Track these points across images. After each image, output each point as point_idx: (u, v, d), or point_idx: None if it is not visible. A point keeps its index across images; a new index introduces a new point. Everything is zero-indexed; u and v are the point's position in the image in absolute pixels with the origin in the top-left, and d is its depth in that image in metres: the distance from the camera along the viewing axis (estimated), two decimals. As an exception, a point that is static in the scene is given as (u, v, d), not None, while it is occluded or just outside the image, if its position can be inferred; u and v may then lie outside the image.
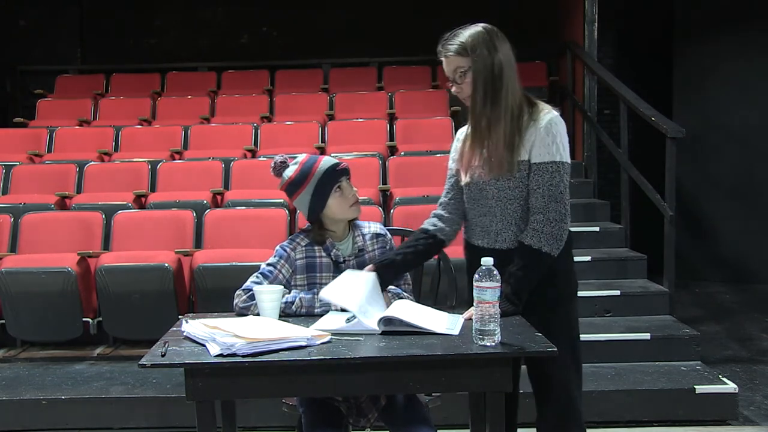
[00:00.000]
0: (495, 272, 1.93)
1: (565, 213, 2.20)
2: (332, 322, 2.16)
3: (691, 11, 6.84)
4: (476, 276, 1.94)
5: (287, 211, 4.66)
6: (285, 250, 2.40)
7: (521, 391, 2.45)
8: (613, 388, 3.73)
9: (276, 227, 4.57)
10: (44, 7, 8.01)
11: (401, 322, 2.04)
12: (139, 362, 1.87)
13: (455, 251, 2.46)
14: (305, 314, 2.29)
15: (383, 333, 2.05)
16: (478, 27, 2.22)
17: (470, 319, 2.04)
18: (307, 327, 2.08)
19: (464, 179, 2.32)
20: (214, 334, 1.95)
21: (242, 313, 2.30)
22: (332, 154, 4.45)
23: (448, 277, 2.66)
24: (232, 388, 1.94)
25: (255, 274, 2.38)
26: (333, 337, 2.02)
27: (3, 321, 4.32)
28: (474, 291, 1.94)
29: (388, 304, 2.26)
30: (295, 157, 2.45)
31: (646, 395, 3.71)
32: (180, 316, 3.16)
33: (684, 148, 5.32)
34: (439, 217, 2.40)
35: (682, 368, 3.99)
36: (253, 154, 5.86)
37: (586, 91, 6.53)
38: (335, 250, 2.41)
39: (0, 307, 4.29)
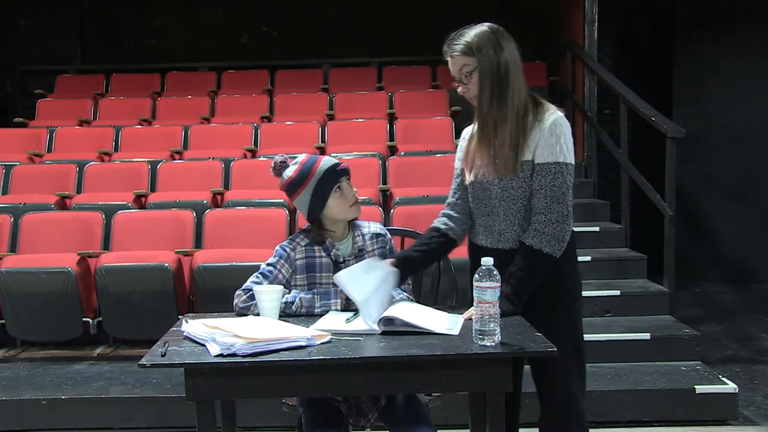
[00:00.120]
0: (495, 272, 1.93)
1: (567, 214, 2.19)
2: (332, 322, 2.16)
3: (691, 11, 6.84)
4: (476, 276, 1.94)
5: (287, 211, 4.66)
6: (285, 250, 2.40)
7: (523, 391, 2.44)
8: (613, 388, 3.73)
9: (276, 227, 4.57)
10: (44, 7, 8.01)
11: (401, 322, 2.04)
12: (139, 362, 1.87)
13: (455, 251, 2.46)
14: (305, 314, 2.29)
15: (383, 333, 2.05)
16: (484, 26, 2.22)
17: (470, 319, 2.04)
18: (307, 327, 2.08)
19: (469, 178, 2.32)
20: (214, 334, 1.95)
21: (242, 313, 2.30)
22: (332, 154, 4.45)
23: (448, 277, 2.66)
24: (232, 388, 1.94)
25: (255, 274, 2.38)
26: (333, 337, 2.02)
27: (3, 321, 4.32)
28: (474, 291, 1.94)
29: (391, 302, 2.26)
30: (295, 157, 2.45)
31: (646, 395, 3.71)
32: (180, 316, 3.15)
33: (684, 148, 5.31)
34: (449, 216, 2.39)
35: (682, 368, 3.99)
36: (253, 154, 5.86)
37: (586, 91, 6.53)
38: (335, 250, 2.41)
39: (0, 307, 4.29)
